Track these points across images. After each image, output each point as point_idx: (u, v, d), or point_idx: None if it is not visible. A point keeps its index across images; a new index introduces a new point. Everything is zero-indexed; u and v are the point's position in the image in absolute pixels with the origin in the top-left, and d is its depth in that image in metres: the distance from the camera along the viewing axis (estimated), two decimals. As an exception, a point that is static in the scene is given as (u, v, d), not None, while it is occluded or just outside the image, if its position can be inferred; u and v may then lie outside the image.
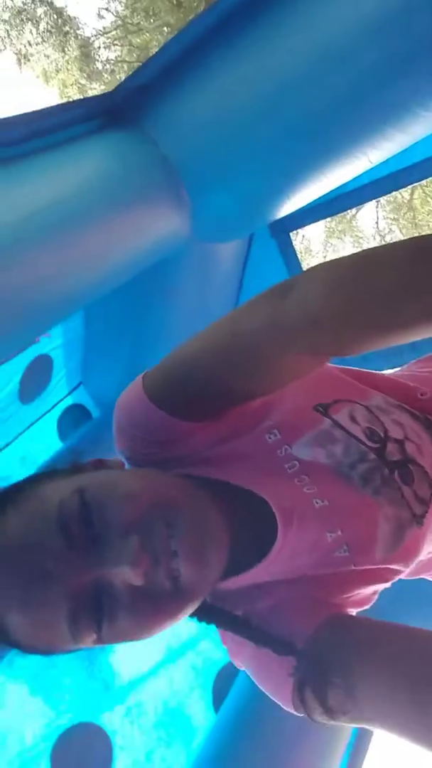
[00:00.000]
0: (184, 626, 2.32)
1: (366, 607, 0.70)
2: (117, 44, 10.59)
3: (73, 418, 2.56)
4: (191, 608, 0.60)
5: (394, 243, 0.56)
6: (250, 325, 0.62)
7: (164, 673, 2.47)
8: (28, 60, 10.38)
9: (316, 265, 0.59)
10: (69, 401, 2.57)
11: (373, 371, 0.80)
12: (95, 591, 0.55)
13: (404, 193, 9.91)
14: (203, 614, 0.66)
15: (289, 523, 0.63)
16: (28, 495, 0.58)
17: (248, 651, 0.65)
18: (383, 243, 10.71)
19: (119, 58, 10.70)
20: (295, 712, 0.63)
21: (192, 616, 0.64)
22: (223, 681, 2.49)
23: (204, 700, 2.48)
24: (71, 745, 2.07)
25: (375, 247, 0.59)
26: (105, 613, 0.55)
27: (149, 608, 0.56)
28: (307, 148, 1.47)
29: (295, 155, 1.50)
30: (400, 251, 0.55)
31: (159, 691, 2.38)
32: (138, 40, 10.18)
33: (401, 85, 1.29)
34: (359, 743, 2.27)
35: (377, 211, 10.66)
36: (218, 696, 2.50)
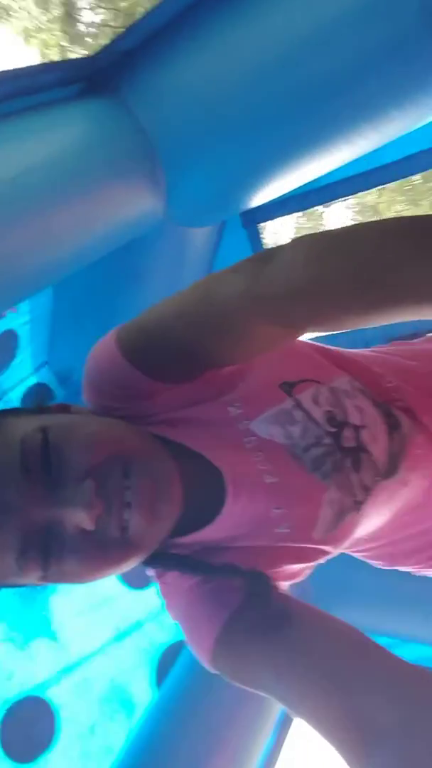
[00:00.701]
0: (132, 609, 2.36)
1: (296, 581, 0.72)
2: (102, 7, 10.23)
3: (36, 396, 2.54)
4: (136, 560, 0.61)
5: (384, 220, 0.55)
6: (227, 289, 0.62)
7: (111, 651, 2.49)
8: (9, 15, 9.94)
9: (302, 236, 0.59)
10: (33, 380, 2.55)
11: (343, 350, 0.79)
12: (47, 529, 0.56)
13: (371, 196, 10.06)
14: (151, 559, 0.66)
15: (238, 493, 0.65)
16: None
17: (184, 603, 0.67)
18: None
19: (104, 22, 10.35)
20: (211, 668, 0.65)
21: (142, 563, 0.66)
22: (167, 661, 2.53)
23: (148, 678, 2.52)
24: (18, 718, 2.08)
25: (363, 223, 0.59)
26: (53, 552, 0.56)
27: (96, 554, 0.57)
28: (286, 134, 1.48)
29: (274, 141, 1.51)
30: (390, 229, 0.54)
31: (106, 668, 2.40)
32: (124, 4, 9.85)
33: (380, 79, 1.31)
34: (287, 719, 2.35)
35: (345, 212, 10.81)
36: (161, 674, 2.54)
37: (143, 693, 2.43)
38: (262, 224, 2.36)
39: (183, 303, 0.66)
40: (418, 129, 1.49)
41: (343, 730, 0.50)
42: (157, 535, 0.61)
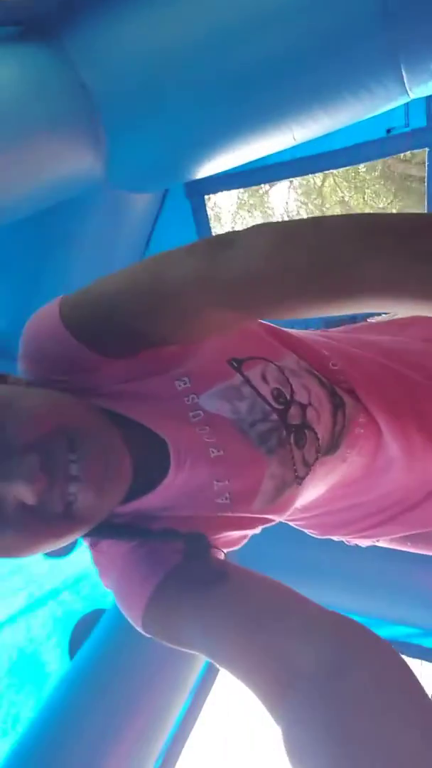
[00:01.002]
0: (48, 577, 2.32)
1: (234, 548, 0.73)
2: None
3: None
4: (79, 534, 0.59)
5: (347, 215, 0.55)
6: (181, 270, 0.60)
7: (23, 620, 2.45)
8: None
9: (262, 224, 0.57)
10: None
11: (290, 330, 0.79)
12: None
13: (317, 178, 10.16)
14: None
15: (182, 464, 0.65)
16: None
17: (119, 568, 0.66)
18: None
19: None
20: (142, 629, 0.64)
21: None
22: (81, 631, 2.53)
23: (61, 647, 2.50)
24: None
25: (326, 216, 0.58)
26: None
27: (37, 528, 0.55)
28: (235, 108, 1.45)
29: (222, 113, 1.47)
30: (352, 224, 0.54)
31: (15, 638, 2.35)
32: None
33: (336, 65, 1.31)
34: (201, 689, 2.41)
35: (289, 192, 10.86)
36: (75, 644, 2.53)
37: (55, 663, 2.42)
38: (206, 196, 2.32)
39: (133, 279, 0.63)
40: (368, 119, 1.49)
41: (263, 674, 0.51)
42: (105, 509, 0.60)
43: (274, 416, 0.68)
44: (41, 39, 1.48)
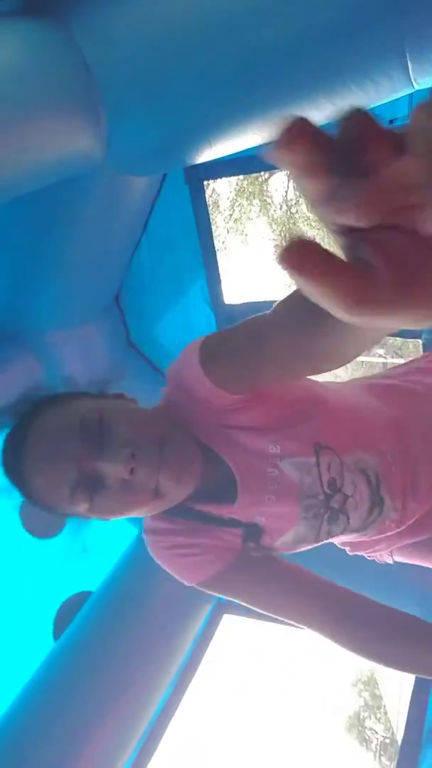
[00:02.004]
0: (34, 557, 2.31)
1: None
2: None
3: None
4: (157, 509, 0.84)
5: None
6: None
7: (7, 599, 2.45)
8: None
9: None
10: None
11: (372, 407, 0.96)
12: (94, 476, 0.78)
13: (317, 168, 10.10)
14: (175, 510, 0.88)
15: (244, 498, 0.88)
16: (64, 403, 0.84)
17: (179, 541, 0.92)
18: (289, 212, 10.89)
19: None
20: (195, 585, 0.94)
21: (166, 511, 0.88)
22: (66, 613, 2.53)
23: (45, 629, 2.51)
24: None
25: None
26: (97, 491, 0.78)
27: (127, 498, 0.80)
28: (237, 94, 1.44)
29: (225, 98, 1.46)
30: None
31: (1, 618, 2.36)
32: None
33: (341, 54, 1.30)
34: (184, 674, 2.43)
35: (288, 181, 10.80)
36: (59, 627, 2.54)
37: (39, 643, 2.42)
38: (205, 183, 2.30)
39: (258, 331, 0.81)
40: (370, 110, 1.48)
41: (323, 616, 0.91)
42: (176, 496, 0.84)
43: (321, 497, 0.89)
44: (44, 15, 1.45)
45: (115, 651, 2.15)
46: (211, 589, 0.93)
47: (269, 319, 0.78)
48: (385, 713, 15.57)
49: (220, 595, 0.96)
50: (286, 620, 0.94)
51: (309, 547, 0.94)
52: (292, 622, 0.93)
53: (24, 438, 0.81)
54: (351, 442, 0.91)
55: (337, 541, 0.98)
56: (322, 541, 0.93)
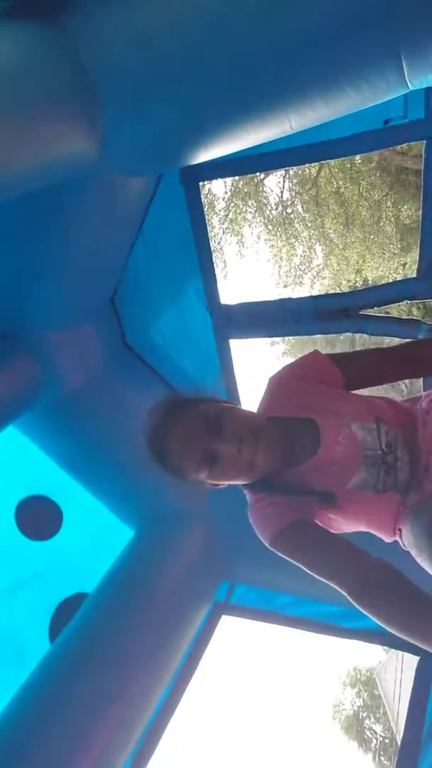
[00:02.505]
0: (31, 560, 2.30)
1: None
2: None
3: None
4: (252, 477, 1.19)
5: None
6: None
7: (3, 600, 2.45)
8: None
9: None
10: None
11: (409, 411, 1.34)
12: (212, 453, 1.13)
13: (312, 168, 10.11)
14: (262, 485, 1.22)
15: (326, 446, 1.21)
16: (193, 405, 1.20)
17: (264, 509, 1.24)
18: (284, 213, 10.90)
19: None
20: (270, 545, 1.24)
21: (257, 487, 1.24)
22: (63, 614, 2.53)
23: (41, 630, 2.51)
24: None
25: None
26: (215, 462, 1.13)
27: (235, 468, 1.16)
28: (233, 94, 1.44)
29: (221, 98, 1.46)
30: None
31: (-3, 618, 2.36)
32: None
33: (336, 54, 1.29)
34: (181, 676, 2.43)
35: (284, 182, 10.81)
36: (55, 628, 2.53)
37: (36, 644, 2.42)
38: (201, 183, 2.30)
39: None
40: (365, 110, 1.48)
41: (352, 581, 1.15)
42: (266, 468, 1.18)
43: (379, 452, 1.21)
44: (39, 16, 1.45)
45: (111, 653, 2.14)
46: (283, 543, 1.21)
47: (387, 355, 1.35)
48: (384, 713, 15.59)
49: (288, 554, 1.21)
50: (331, 579, 1.17)
51: (373, 494, 1.20)
52: (335, 581, 1.17)
53: (167, 428, 1.17)
54: (401, 421, 1.28)
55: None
56: (381, 491, 1.20)
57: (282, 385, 1.30)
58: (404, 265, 10.80)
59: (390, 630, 1.09)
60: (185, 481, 1.18)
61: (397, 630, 1.08)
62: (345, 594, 1.14)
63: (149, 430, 1.19)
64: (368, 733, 17.23)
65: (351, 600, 1.14)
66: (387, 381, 1.38)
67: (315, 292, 11.17)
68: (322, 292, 10.81)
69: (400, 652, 2.45)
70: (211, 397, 1.26)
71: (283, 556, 1.21)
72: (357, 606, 1.13)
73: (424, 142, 1.91)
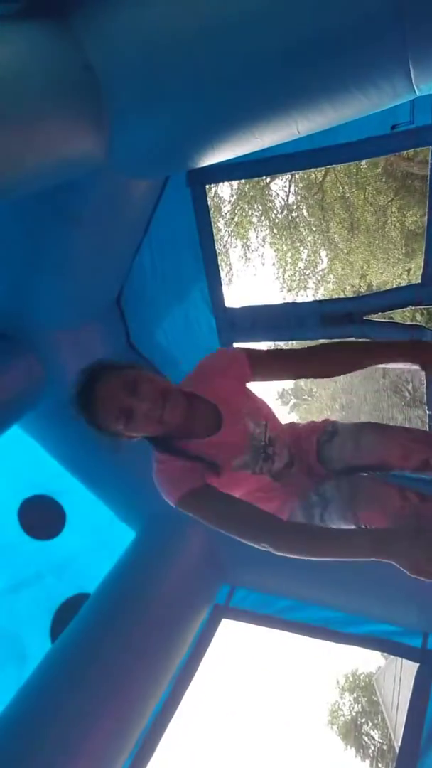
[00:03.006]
0: (32, 560, 2.30)
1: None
2: None
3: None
4: (160, 431, 1.38)
5: None
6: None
7: (5, 599, 2.45)
8: None
9: None
10: None
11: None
12: (128, 409, 1.32)
13: (318, 173, 10.12)
14: (162, 443, 1.44)
15: (225, 428, 1.47)
16: (114, 369, 1.38)
17: (169, 472, 1.43)
18: (290, 217, 10.90)
19: None
20: (177, 505, 1.41)
21: (157, 444, 1.44)
22: (64, 614, 2.53)
23: (42, 630, 2.51)
24: None
25: None
26: (130, 417, 1.33)
27: (146, 421, 1.34)
28: (241, 97, 1.44)
29: (228, 101, 1.46)
30: None
31: (-2, 617, 2.36)
32: None
33: (344, 59, 1.30)
34: (181, 678, 2.42)
35: (290, 186, 10.82)
36: (56, 628, 2.53)
37: (37, 644, 2.42)
38: (207, 186, 2.31)
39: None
40: (372, 115, 1.49)
41: (255, 531, 1.37)
42: (171, 424, 1.37)
43: (262, 444, 1.52)
44: (47, 17, 1.46)
45: (111, 654, 2.15)
46: (191, 503, 1.39)
47: (303, 355, 1.59)
48: (383, 720, 15.52)
49: (197, 512, 1.39)
50: (238, 533, 1.37)
51: (249, 472, 1.48)
52: (248, 536, 1.37)
53: (92, 388, 1.34)
54: (281, 432, 1.61)
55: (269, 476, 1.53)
56: (257, 472, 1.49)
57: (204, 371, 1.54)
58: (408, 270, 10.79)
59: (305, 559, 1.34)
60: (104, 432, 1.36)
61: (310, 557, 1.34)
62: (260, 545, 1.35)
63: (77, 388, 1.36)
64: (366, 739, 17.15)
65: (269, 548, 1.34)
66: (289, 379, 1.81)
67: (319, 297, 11.16)
68: (327, 297, 10.81)
69: (399, 659, 2.44)
70: (131, 363, 1.42)
71: (189, 514, 1.40)
72: (274, 551, 1.34)
73: (431, 147, 1.91)
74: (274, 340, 2.68)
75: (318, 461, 1.59)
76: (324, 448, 1.58)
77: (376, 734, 16.99)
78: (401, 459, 1.49)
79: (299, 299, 11.32)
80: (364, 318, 2.25)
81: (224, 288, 2.47)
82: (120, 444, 1.41)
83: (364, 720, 17.42)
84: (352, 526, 1.45)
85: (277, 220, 11.03)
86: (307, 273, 11.60)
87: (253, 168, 2.22)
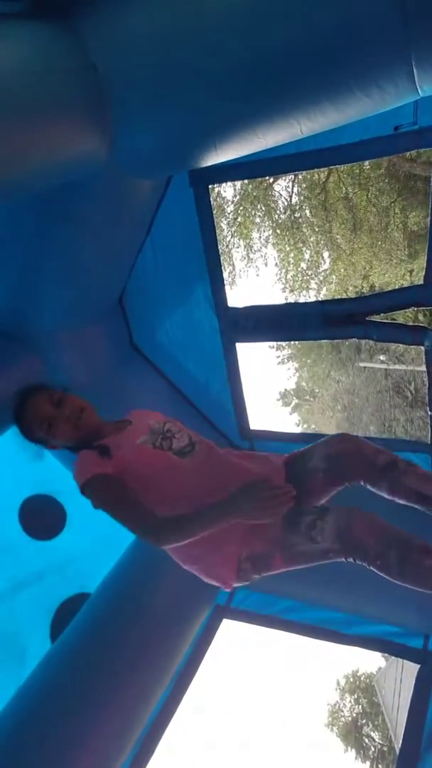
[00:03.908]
0: (33, 560, 2.30)
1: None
2: None
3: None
4: (75, 437, 1.65)
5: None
6: None
7: (5, 599, 2.45)
8: None
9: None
10: None
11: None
12: (51, 420, 1.62)
13: (321, 173, 10.11)
14: (79, 446, 1.62)
15: (132, 430, 1.68)
16: (44, 390, 1.69)
17: (83, 462, 1.56)
18: (293, 218, 10.90)
19: None
20: (82, 487, 1.53)
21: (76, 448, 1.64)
22: (64, 614, 2.53)
23: (42, 630, 2.51)
24: None
25: None
26: (51, 426, 1.62)
27: (64, 427, 1.62)
28: (244, 98, 1.44)
29: (232, 102, 1.46)
30: None
31: (-2, 617, 2.36)
32: None
33: (347, 59, 1.30)
34: (181, 679, 2.42)
35: (293, 186, 10.82)
36: (56, 628, 2.53)
37: (36, 644, 2.42)
38: (210, 186, 2.31)
39: None
40: (375, 116, 1.48)
41: (139, 526, 1.51)
42: (87, 429, 1.65)
43: (161, 430, 1.65)
44: (51, 17, 1.46)
45: (112, 654, 2.14)
46: (93, 487, 1.51)
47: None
48: (383, 721, 15.50)
49: (95, 496, 1.52)
50: (126, 524, 1.49)
51: (150, 447, 1.60)
52: (129, 526, 1.49)
53: (26, 402, 1.65)
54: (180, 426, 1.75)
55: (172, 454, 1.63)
56: (158, 447, 1.60)
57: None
58: (411, 271, 10.79)
59: (185, 540, 1.45)
60: (30, 437, 1.66)
61: (183, 540, 1.45)
62: (145, 539, 1.49)
63: (15, 401, 1.67)
64: (366, 740, 17.14)
65: (148, 539, 1.48)
66: None
67: (322, 298, 11.15)
68: (329, 298, 10.80)
69: (400, 660, 2.43)
70: (59, 388, 1.71)
71: (92, 498, 1.52)
72: (155, 544, 1.48)
73: (434, 148, 1.91)
74: (277, 340, 2.69)
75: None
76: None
77: (376, 736, 16.98)
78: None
79: (301, 300, 11.31)
80: (367, 319, 2.24)
81: (227, 288, 2.46)
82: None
83: (364, 721, 17.41)
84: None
85: (279, 221, 11.03)
86: (309, 273, 11.60)
87: (256, 168, 2.22)
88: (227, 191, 10.59)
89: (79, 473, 1.54)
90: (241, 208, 10.81)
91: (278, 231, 11.06)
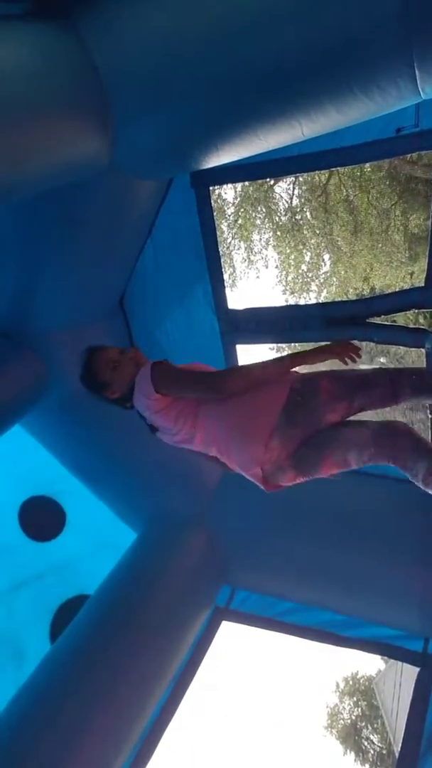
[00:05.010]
0: (33, 561, 2.29)
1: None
2: None
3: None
4: (132, 376, 1.77)
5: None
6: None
7: (5, 600, 2.45)
8: None
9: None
10: None
11: None
12: (117, 361, 1.80)
13: (322, 176, 10.11)
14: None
15: None
16: (107, 347, 1.83)
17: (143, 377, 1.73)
18: (293, 220, 10.92)
19: None
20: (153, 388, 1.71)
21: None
22: (63, 615, 2.53)
23: (41, 631, 2.51)
24: None
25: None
26: (116, 366, 1.80)
27: (125, 369, 1.80)
28: (246, 100, 1.45)
29: (233, 104, 1.47)
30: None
31: (-3, 618, 2.35)
32: None
33: (349, 61, 1.30)
34: (181, 680, 2.42)
35: (293, 188, 10.81)
36: (56, 629, 2.53)
37: (36, 645, 2.42)
38: (211, 188, 2.31)
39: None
40: (377, 118, 1.49)
41: (205, 383, 1.73)
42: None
43: None
44: (53, 19, 1.46)
45: (111, 655, 2.14)
46: (164, 366, 1.69)
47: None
48: (382, 724, 15.47)
49: (166, 369, 1.71)
50: (198, 381, 1.71)
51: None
52: (199, 383, 1.71)
53: (95, 352, 1.79)
54: None
55: None
56: None
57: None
58: (412, 274, 10.79)
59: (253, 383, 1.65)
60: (96, 382, 1.78)
61: (248, 385, 1.65)
62: (212, 393, 1.68)
63: (84, 356, 1.80)
64: (366, 743, 17.11)
65: (217, 383, 1.68)
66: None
67: (322, 300, 11.15)
68: (330, 300, 10.80)
69: (399, 663, 2.43)
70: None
71: (162, 383, 1.68)
72: (220, 394, 1.67)
73: (436, 151, 1.91)
74: (277, 342, 2.68)
75: None
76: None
77: (375, 738, 16.94)
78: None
79: (302, 302, 11.31)
80: (367, 321, 2.24)
81: (227, 290, 2.47)
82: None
83: (363, 724, 17.37)
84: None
85: (280, 223, 11.03)
86: (310, 276, 11.60)
87: (257, 170, 2.22)
88: (228, 193, 10.59)
89: (147, 363, 1.72)
90: (242, 209, 10.81)
91: (279, 233, 11.05)
